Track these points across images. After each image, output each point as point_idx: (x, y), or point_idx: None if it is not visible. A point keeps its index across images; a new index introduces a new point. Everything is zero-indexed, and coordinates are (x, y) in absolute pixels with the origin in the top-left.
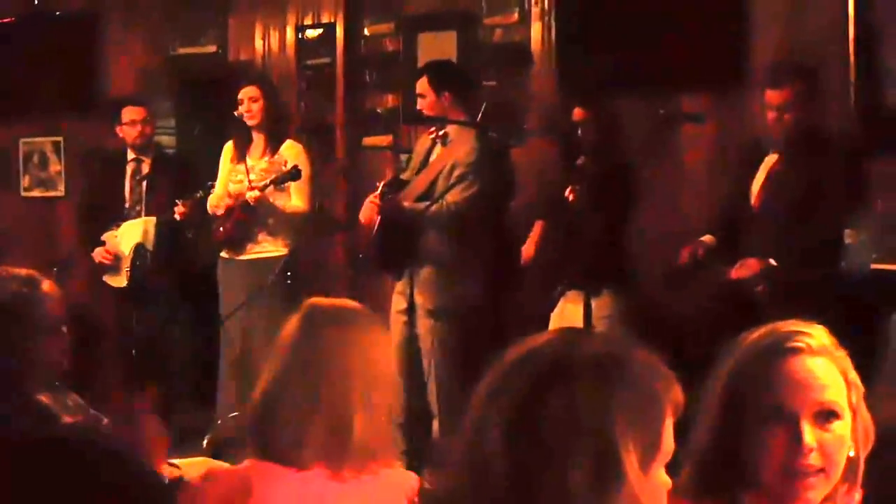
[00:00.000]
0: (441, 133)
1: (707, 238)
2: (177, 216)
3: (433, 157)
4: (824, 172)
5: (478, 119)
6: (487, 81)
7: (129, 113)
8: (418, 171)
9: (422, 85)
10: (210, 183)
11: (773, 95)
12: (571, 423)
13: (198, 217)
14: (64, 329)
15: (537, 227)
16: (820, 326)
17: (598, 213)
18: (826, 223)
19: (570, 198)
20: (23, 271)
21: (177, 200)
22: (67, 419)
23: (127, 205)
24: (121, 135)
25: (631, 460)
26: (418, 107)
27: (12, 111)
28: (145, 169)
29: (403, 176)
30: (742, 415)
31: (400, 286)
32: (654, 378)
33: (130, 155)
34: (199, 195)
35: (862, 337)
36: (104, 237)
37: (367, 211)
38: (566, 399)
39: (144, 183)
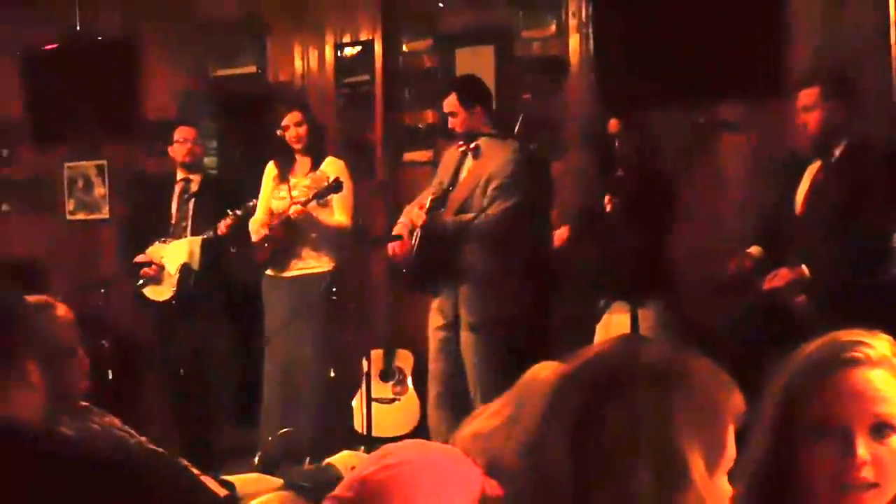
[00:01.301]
0: (473, 146)
1: (754, 250)
2: (220, 231)
3: (464, 172)
4: (868, 177)
5: (516, 131)
6: (525, 94)
7: (181, 132)
8: (448, 186)
9: (451, 103)
10: (253, 202)
11: (803, 95)
12: (635, 432)
13: (240, 234)
14: (81, 351)
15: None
16: (884, 335)
17: (637, 224)
18: (873, 228)
19: (608, 208)
20: (36, 298)
21: (226, 214)
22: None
23: (173, 222)
24: (171, 153)
25: (698, 465)
26: (449, 125)
27: (56, 136)
28: (194, 188)
29: (428, 191)
30: (796, 428)
31: (438, 302)
32: (715, 386)
33: (180, 175)
34: (240, 212)
35: None
36: (148, 251)
37: (409, 218)
38: (629, 408)
39: (192, 202)
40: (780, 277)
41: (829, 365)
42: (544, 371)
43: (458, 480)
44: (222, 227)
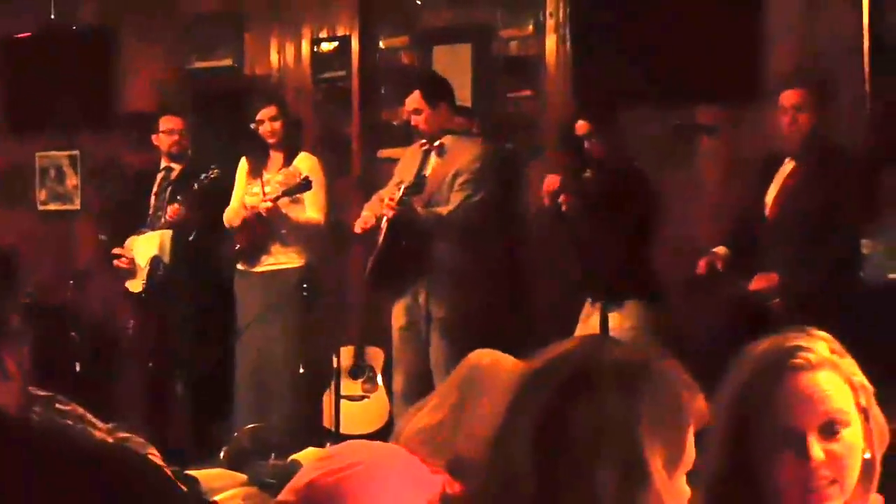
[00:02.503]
0: (437, 144)
1: (720, 249)
2: (169, 216)
3: (428, 170)
4: (840, 183)
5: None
6: (502, 93)
7: (167, 122)
8: (412, 184)
9: (414, 100)
10: (204, 176)
11: (787, 96)
12: (598, 430)
13: (214, 227)
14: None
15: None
16: (820, 333)
17: (605, 224)
18: (842, 234)
19: (563, 208)
20: None
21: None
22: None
23: (150, 212)
24: (156, 143)
25: (657, 465)
26: (412, 122)
27: (29, 125)
28: (173, 177)
29: (383, 190)
30: (751, 436)
31: (403, 302)
32: (678, 387)
33: (163, 164)
34: (195, 187)
35: (881, 345)
36: (126, 243)
37: (376, 208)
38: (592, 406)
39: (168, 191)
40: (766, 279)
41: (775, 372)
42: (485, 358)
43: (408, 479)
44: (173, 209)
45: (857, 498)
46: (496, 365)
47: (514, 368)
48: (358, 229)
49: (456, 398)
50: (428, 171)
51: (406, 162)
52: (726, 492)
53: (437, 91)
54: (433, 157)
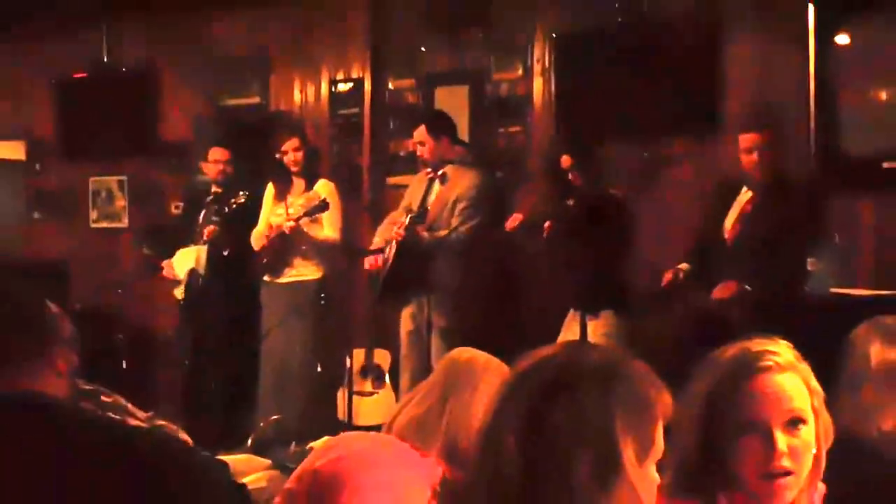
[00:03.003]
0: (440, 173)
1: (683, 266)
2: (205, 236)
3: (432, 196)
4: (791, 210)
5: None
6: (495, 128)
7: (215, 153)
8: (419, 209)
9: (420, 133)
10: (233, 200)
11: (745, 139)
12: (577, 424)
13: (231, 238)
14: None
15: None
16: (784, 342)
17: (585, 244)
18: (792, 254)
19: (545, 233)
20: None
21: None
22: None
23: (196, 230)
24: (204, 170)
25: (629, 456)
26: (418, 153)
27: (82, 153)
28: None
29: (398, 213)
30: (720, 426)
31: (409, 310)
32: (648, 385)
33: (212, 189)
34: (227, 210)
35: (824, 352)
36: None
37: (386, 235)
38: (571, 404)
39: (205, 212)
40: (727, 289)
41: (745, 371)
42: (464, 354)
43: (400, 464)
44: (206, 232)
45: (807, 487)
46: (473, 360)
47: (487, 364)
48: (367, 266)
49: (440, 390)
50: (432, 198)
51: (414, 188)
52: (693, 475)
53: (440, 126)
54: (436, 185)
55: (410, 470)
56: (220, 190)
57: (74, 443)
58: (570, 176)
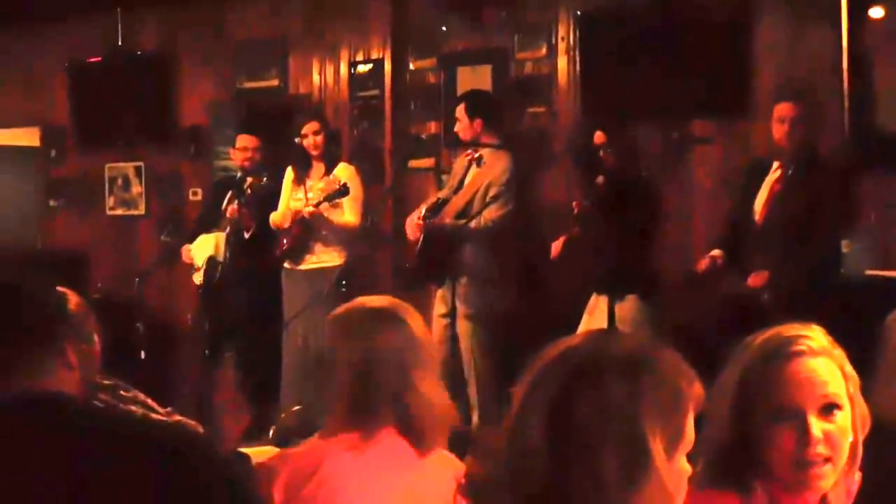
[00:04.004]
0: (477, 155)
1: (717, 252)
2: (228, 214)
3: (468, 178)
4: (823, 189)
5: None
6: (519, 109)
7: (242, 140)
8: (456, 190)
9: (459, 111)
10: (252, 181)
11: (780, 108)
12: (604, 416)
13: (252, 222)
14: (96, 338)
15: (562, 238)
16: (817, 327)
17: (616, 225)
18: (825, 235)
19: (575, 211)
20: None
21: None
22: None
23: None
24: (232, 157)
25: (658, 448)
26: (455, 129)
27: (99, 140)
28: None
29: (441, 193)
30: (753, 413)
31: (441, 292)
32: (678, 375)
33: (239, 175)
34: (248, 192)
35: (860, 336)
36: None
37: (411, 228)
38: (599, 394)
39: (230, 196)
40: (762, 276)
41: (779, 356)
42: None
43: (433, 462)
44: (230, 210)
45: (844, 476)
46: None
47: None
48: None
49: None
50: (468, 179)
51: (456, 170)
52: (727, 464)
53: (476, 107)
54: (473, 167)
55: (435, 465)
56: (249, 179)
57: (86, 439)
58: (601, 153)
